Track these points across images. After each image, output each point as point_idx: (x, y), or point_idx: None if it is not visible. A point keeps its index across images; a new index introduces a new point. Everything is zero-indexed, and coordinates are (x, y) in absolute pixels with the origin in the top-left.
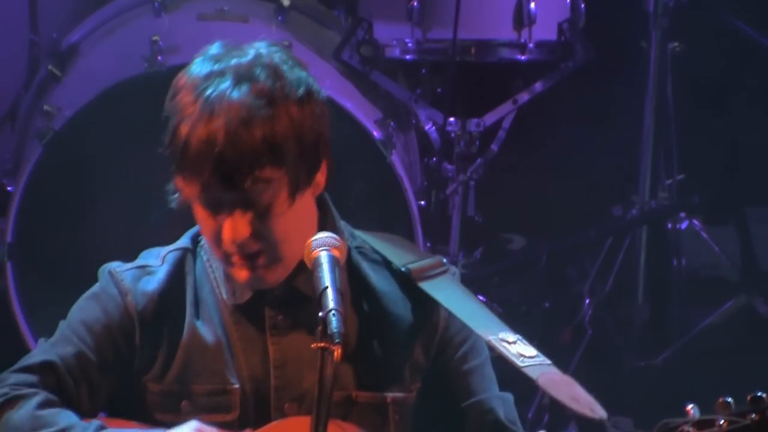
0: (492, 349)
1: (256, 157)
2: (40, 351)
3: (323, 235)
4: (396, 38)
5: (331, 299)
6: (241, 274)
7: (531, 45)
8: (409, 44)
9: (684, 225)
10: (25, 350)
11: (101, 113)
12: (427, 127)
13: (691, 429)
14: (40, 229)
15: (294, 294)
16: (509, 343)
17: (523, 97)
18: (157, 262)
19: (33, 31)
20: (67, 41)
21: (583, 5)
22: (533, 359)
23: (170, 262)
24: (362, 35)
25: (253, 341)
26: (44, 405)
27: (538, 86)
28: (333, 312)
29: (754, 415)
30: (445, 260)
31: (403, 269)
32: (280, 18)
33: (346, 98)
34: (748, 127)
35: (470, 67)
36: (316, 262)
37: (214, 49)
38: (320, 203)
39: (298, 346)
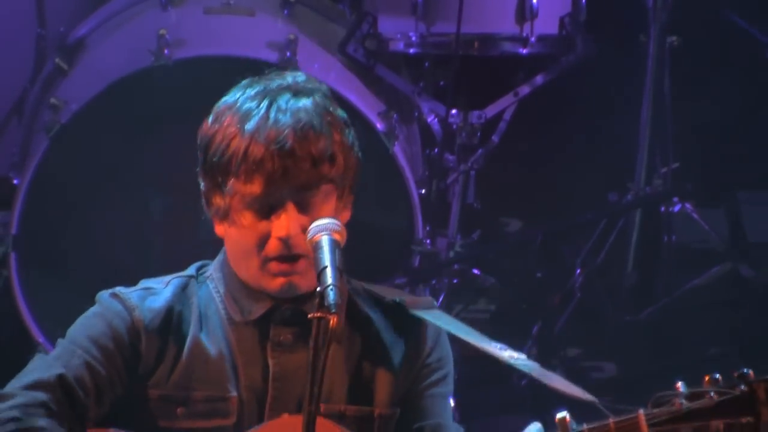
0: (483, 352)
1: (318, 157)
2: (44, 365)
3: (324, 221)
4: (400, 32)
5: (329, 276)
6: (276, 282)
7: (533, 39)
8: (413, 38)
9: (677, 208)
10: (28, 340)
11: (108, 107)
12: (429, 119)
13: (683, 401)
14: (45, 222)
15: (302, 316)
16: (499, 349)
17: (524, 89)
18: (160, 286)
19: (40, 25)
20: (74, 35)
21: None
22: (523, 359)
23: (175, 285)
24: (367, 29)
25: (255, 355)
26: None
27: (539, 79)
28: (330, 287)
29: (743, 386)
30: (432, 299)
31: (397, 300)
32: (285, 12)
33: (351, 91)
34: (742, 117)
35: (473, 60)
36: (317, 245)
37: (245, 81)
38: None
39: (297, 362)
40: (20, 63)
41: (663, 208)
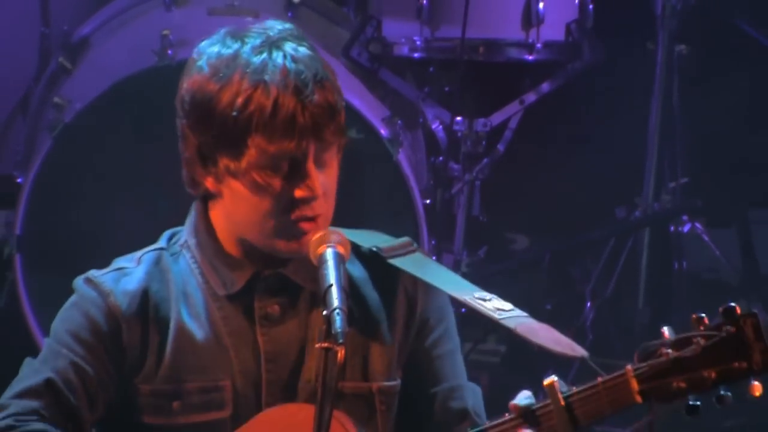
0: (469, 307)
1: (337, 107)
2: (32, 371)
3: (328, 232)
4: (405, 36)
5: (335, 297)
6: (294, 244)
7: (539, 45)
8: (418, 42)
9: (686, 228)
10: (32, 342)
11: (111, 106)
12: (434, 126)
13: (670, 350)
14: (49, 221)
15: (284, 282)
16: (485, 300)
17: (530, 97)
18: (132, 264)
19: (44, 24)
20: (78, 34)
21: (591, 6)
22: (510, 312)
23: (147, 262)
24: (371, 33)
25: (244, 335)
26: None
27: (546, 86)
28: (337, 311)
29: (729, 327)
30: (413, 241)
31: (374, 249)
32: (289, 14)
33: (354, 95)
34: (753, 130)
35: (478, 66)
36: (321, 259)
37: (230, 31)
38: None
39: (288, 337)
40: (24, 62)
41: (672, 228)
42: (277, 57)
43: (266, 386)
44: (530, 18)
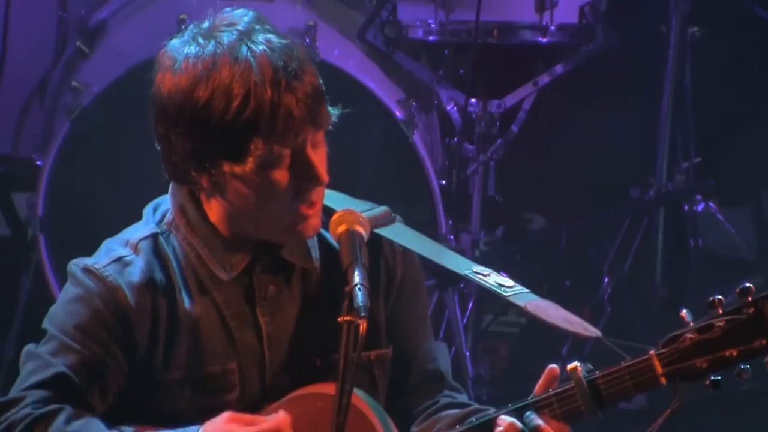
0: (471, 282)
1: (322, 91)
2: (42, 364)
3: (347, 212)
4: (419, 19)
5: (356, 274)
6: (309, 224)
7: (552, 28)
8: (432, 25)
9: (700, 207)
10: None
11: (128, 90)
12: (448, 108)
13: (693, 335)
14: (69, 202)
15: (280, 263)
16: (485, 275)
17: (544, 79)
18: (128, 251)
19: (62, 8)
20: (95, 18)
21: None
22: (513, 288)
23: (146, 251)
24: (386, 16)
25: (245, 317)
26: (71, 419)
27: (559, 68)
28: (358, 286)
29: (748, 309)
30: (389, 210)
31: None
32: None
33: (370, 78)
34: (764, 110)
35: (492, 48)
36: (342, 239)
37: (197, 29)
38: None
39: (286, 316)
40: (42, 46)
41: (686, 207)
42: (258, 52)
43: (269, 366)
44: (544, 1)
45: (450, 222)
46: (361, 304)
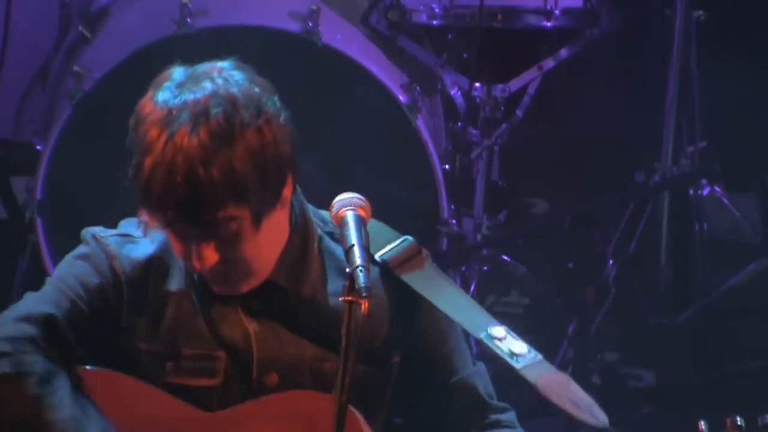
0: (484, 348)
1: (217, 197)
2: (35, 302)
3: (348, 196)
4: (423, 3)
5: (357, 256)
6: (215, 288)
7: (557, 12)
8: (436, 9)
9: (705, 191)
10: None
11: (130, 75)
12: (452, 92)
13: None
14: (68, 187)
15: (271, 287)
16: (500, 340)
17: (548, 63)
18: (139, 233)
19: None
20: (97, 3)
21: None
22: (526, 357)
23: (161, 241)
24: (390, 0)
25: (233, 319)
26: (45, 381)
27: (564, 53)
28: (360, 268)
29: None
30: (414, 240)
31: (378, 260)
32: None
33: (373, 63)
34: None
35: (496, 33)
36: (342, 221)
37: (177, 75)
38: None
39: (274, 324)
40: (44, 30)
41: (691, 191)
42: (185, 142)
43: (257, 363)
44: None
45: (453, 207)
46: (362, 285)
